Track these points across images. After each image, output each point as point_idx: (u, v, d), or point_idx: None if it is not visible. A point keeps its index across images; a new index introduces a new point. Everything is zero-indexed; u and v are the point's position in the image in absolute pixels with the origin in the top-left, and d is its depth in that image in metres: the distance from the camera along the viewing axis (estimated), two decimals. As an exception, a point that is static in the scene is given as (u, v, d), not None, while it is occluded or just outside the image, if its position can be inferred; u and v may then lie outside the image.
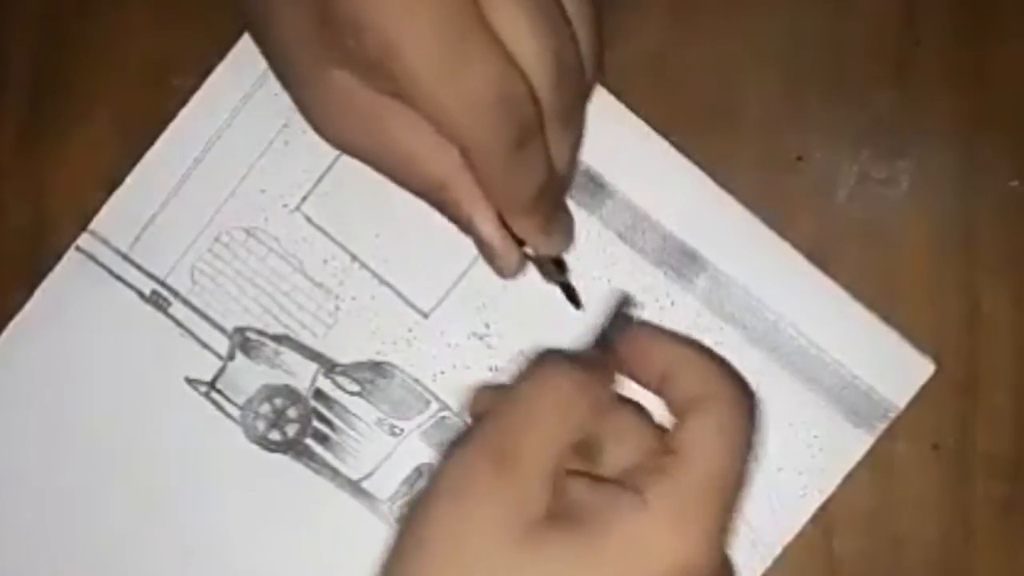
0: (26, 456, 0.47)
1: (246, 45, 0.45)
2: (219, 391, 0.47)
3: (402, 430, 0.47)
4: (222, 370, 0.47)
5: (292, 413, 0.47)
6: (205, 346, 0.47)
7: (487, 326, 0.47)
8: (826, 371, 0.46)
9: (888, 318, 0.46)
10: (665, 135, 0.46)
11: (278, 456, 0.47)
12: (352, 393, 0.47)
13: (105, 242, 0.47)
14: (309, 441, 0.47)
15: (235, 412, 0.47)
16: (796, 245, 0.46)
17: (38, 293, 0.47)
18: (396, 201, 0.43)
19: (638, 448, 0.40)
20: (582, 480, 0.39)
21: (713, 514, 0.38)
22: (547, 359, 0.40)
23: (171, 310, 0.47)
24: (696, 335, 0.46)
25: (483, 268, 0.44)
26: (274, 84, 0.43)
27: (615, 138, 0.46)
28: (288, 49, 0.41)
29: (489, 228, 0.41)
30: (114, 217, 0.47)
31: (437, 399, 0.47)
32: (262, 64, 0.43)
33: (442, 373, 0.47)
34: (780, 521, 0.46)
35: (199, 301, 0.47)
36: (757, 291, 0.46)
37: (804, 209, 0.46)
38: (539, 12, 0.38)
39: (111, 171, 0.47)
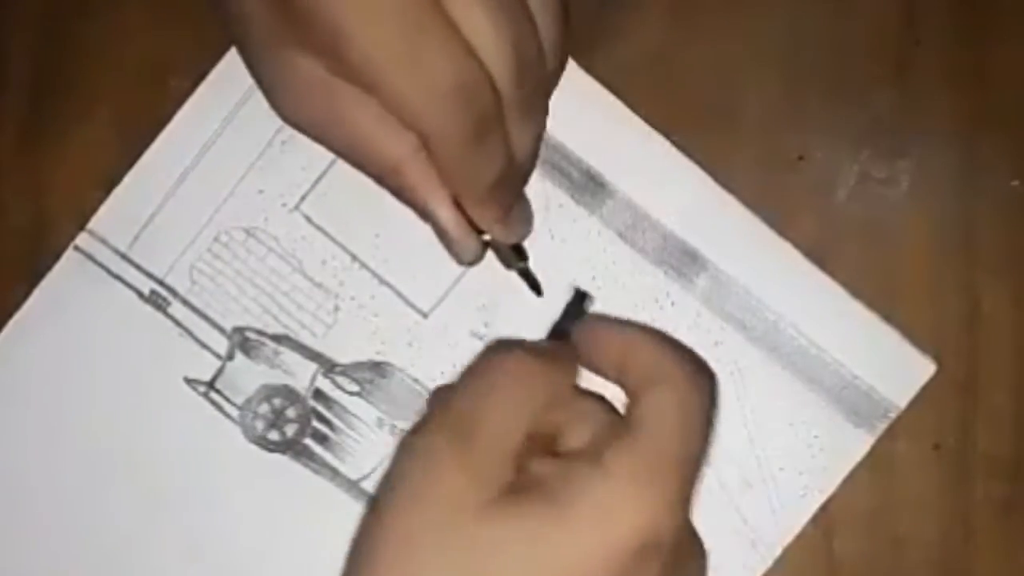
0: (24, 456, 0.47)
1: (246, 44, 0.46)
2: (218, 391, 0.47)
3: (402, 430, 0.47)
4: (221, 370, 0.47)
5: (291, 413, 0.47)
6: (204, 346, 0.47)
7: (487, 326, 0.47)
8: (826, 371, 0.46)
9: (888, 318, 0.46)
10: (665, 135, 0.46)
11: (277, 456, 0.47)
12: (352, 393, 0.47)
13: (104, 242, 0.47)
14: (308, 441, 0.47)
15: (234, 412, 0.47)
16: (796, 245, 0.46)
17: (37, 292, 0.47)
18: (396, 201, 0.43)
19: (598, 431, 0.39)
20: (542, 458, 0.38)
21: (674, 482, 0.37)
22: (504, 346, 0.40)
23: (170, 310, 0.47)
24: (696, 335, 0.46)
25: (483, 268, 0.44)
26: (274, 83, 0.43)
27: (615, 138, 0.46)
28: (247, 28, 0.41)
29: (445, 214, 0.41)
30: (113, 217, 0.47)
31: (437, 399, 0.47)
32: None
33: (442, 373, 0.47)
34: (780, 521, 0.46)
35: (198, 301, 0.47)
36: (757, 291, 0.46)
37: (804, 209, 0.46)
38: (497, 1, 0.38)
39: (110, 171, 0.47)
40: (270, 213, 0.47)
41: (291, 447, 0.47)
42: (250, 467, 0.46)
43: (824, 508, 0.46)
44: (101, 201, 0.47)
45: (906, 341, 0.46)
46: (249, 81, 0.46)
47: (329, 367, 0.47)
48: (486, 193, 0.41)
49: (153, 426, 0.47)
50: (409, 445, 0.39)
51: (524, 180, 0.43)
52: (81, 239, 0.47)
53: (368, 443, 0.47)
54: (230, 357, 0.47)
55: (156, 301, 0.47)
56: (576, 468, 0.37)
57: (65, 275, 0.47)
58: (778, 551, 0.46)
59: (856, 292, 0.46)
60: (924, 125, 0.47)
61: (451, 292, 0.47)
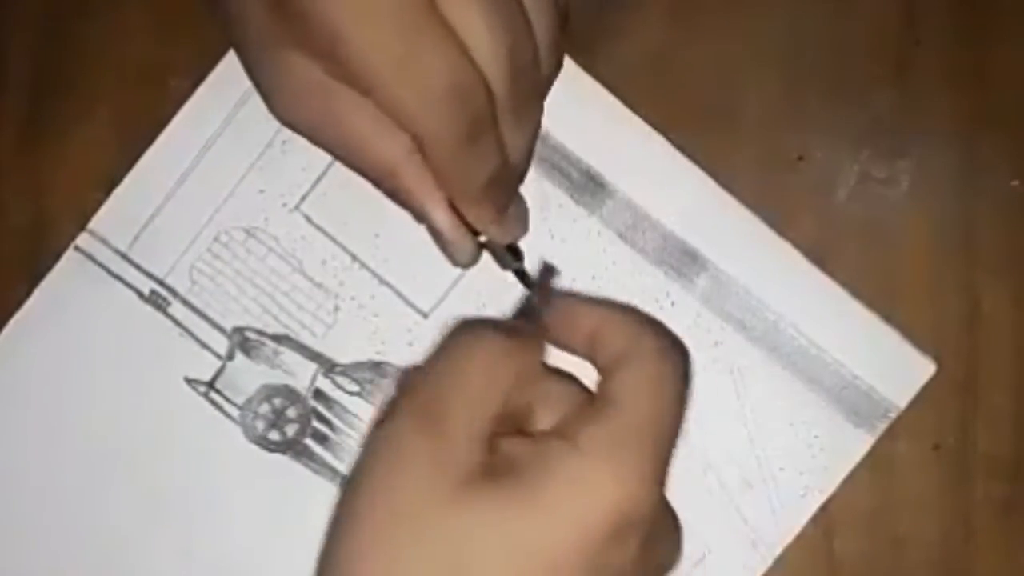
0: (24, 456, 0.47)
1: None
2: (218, 391, 0.47)
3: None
4: (221, 370, 0.47)
5: (291, 413, 0.47)
6: (204, 346, 0.47)
7: (487, 326, 0.47)
8: (827, 371, 0.46)
9: (888, 318, 0.46)
10: (665, 135, 0.46)
11: (277, 456, 0.47)
12: (352, 393, 0.47)
13: (104, 242, 0.47)
14: (308, 441, 0.47)
15: (234, 412, 0.47)
16: (796, 245, 0.46)
17: (37, 292, 0.47)
18: (396, 201, 0.43)
19: (569, 411, 0.39)
20: (515, 438, 0.38)
21: (648, 458, 0.37)
22: (469, 327, 0.40)
23: (170, 310, 0.47)
24: (696, 335, 0.46)
25: (483, 268, 0.44)
26: (274, 83, 0.43)
27: (615, 138, 0.46)
28: (244, 30, 0.41)
29: (441, 216, 0.41)
30: (113, 217, 0.47)
31: (437, 399, 0.46)
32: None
33: (442, 373, 0.47)
34: (780, 521, 0.46)
35: (198, 301, 0.47)
36: (757, 291, 0.46)
37: (804, 209, 0.46)
38: (493, 4, 0.38)
39: (110, 171, 0.47)
40: (270, 213, 0.47)
41: (291, 447, 0.47)
42: (250, 467, 0.46)
43: (824, 508, 0.46)
44: (101, 201, 0.47)
45: (906, 341, 0.46)
46: (249, 82, 0.46)
47: (329, 367, 0.47)
48: (480, 194, 0.41)
49: (153, 426, 0.47)
50: (378, 434, 0.38)
51: (519, 180, 0.43)
52: (81, 239, 0.47)
53: (368, 443, 0.47)
54: (230, 357, 0.47)
55: (156, 301, 0.47)
56: (549, 448, 0.37)
57: (65, 275, 0.47)
58: (778, 551, 0.46)
59: (856, 292, 0.46)
60: (924, 125, 0.47)
61: (451, 292, 0.47)
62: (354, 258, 0.47)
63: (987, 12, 0.46)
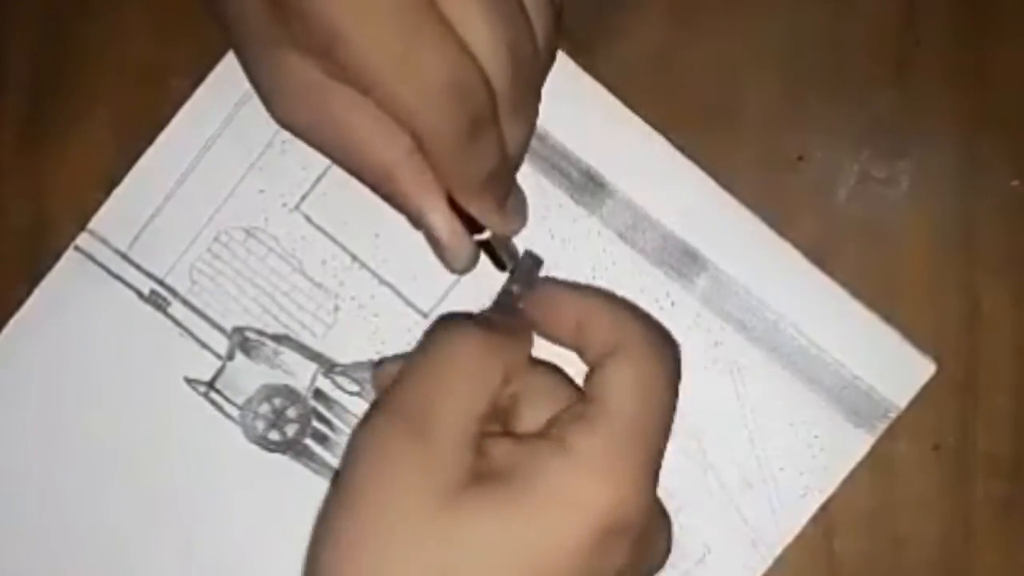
0: (24, 456, 0.47)
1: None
2: (218, 391, 0.47)
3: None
4: (221, 370, 0.47)
5: (291, 413, 0.47)
6: (204, 346, 0.47)
7: (487, 326, 0.46)
8: (827, 371, 0.46)
9: (888, 318, 0.46)
10: (665, 135, 0.46)
11: (277, 456, 0.47)
12: (352, 393, 0.47)
13: (104, 242, 0.47)
14: (308, 441, 0.47)
15: (234, 412, 0.47)
16: (796, 245, 0.46)
17: (37, 292, 0.47)
18: (395, 201, 0.43)
19: (556, 406, 0.39)
20: (503, 440, 0.38)
21: (638, 458, 0.37)
22: (453, 323, 0.40)
23: (170, 310, 0.47)
24: (696, 335, 0.46)
25: (483, 268, 0.44)
26: (274, 83, 0.43)
27: (615, 138, 0.46)
28: (242, 30, 0.41)
29: (438, 219, 0.41)
30: (113, 217, 0.47)
31: (437, 399, 0.46)
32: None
33: (442, 373, 0.47)
34: (780, 521, 0.46)
35: (198, 301, 0.47)
36: (757, 291, 0.46)
37: (804, 209, 0.46)
38: (492, 0, 0.38)
39: (110, 171, 0.47)
40: (270, 213, 0.47)
41: (291, 447, 0.47)
42: (250, 467, 0.46)
43: (824, 508, 0.46)
44: (101, 201, 0.47)
45: (906, 341, 0.46)
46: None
47: (329, 367, 0.47)
48: (479, 187, 0.41)
49: (153, 426, 0.47)
50: (362, 435, 0.38)
51: (515, 171, 0.43)
52: (81, 239, 0.47)
53: (368, 443, 0.46)
54: (230, 357, 0.47)
55: (156, 301, 0.47)
56: (538, 452, 0.37)
57: (65, 275, 0.47)
58: (778, 551, 0.46)
59: (856, 292, 0.46)
60: (924, 125, 0.47)
61: (451, 292, 0.47)
62: (354, 258, 0.47)
63: (987, 12, 0.46)
